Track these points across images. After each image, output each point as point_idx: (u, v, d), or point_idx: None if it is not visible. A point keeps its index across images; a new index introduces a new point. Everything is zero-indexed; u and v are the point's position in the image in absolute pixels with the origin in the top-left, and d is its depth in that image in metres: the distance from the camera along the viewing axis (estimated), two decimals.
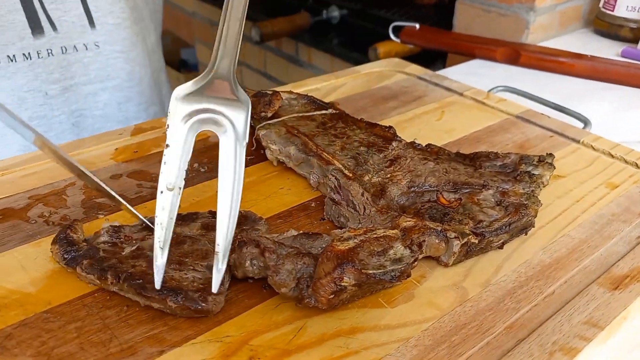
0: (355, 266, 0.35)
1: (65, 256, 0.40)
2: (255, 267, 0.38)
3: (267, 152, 0.54)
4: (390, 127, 0.56)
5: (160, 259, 0.37)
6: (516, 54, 0.90)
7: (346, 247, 0.36)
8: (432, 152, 0.52)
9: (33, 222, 0.47)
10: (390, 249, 0.38)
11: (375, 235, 0.38)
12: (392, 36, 1.01)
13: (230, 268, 0.39)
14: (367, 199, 0.46)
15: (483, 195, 0.46)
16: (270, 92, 0.58)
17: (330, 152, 0.51)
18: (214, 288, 0.37)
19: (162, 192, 0.38)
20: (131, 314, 0.37)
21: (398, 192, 0.47)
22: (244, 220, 0.44)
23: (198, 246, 0.41)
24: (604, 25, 1.04)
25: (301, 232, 0.41)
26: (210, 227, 0.43)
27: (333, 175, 0.49)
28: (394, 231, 0.39)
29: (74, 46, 0.73)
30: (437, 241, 0.40)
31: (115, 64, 0.78)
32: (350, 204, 0.47)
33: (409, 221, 0.41)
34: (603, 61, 0.85)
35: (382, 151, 0.52)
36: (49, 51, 0.71)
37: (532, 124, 0.64)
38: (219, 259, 0.37)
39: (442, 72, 0.85)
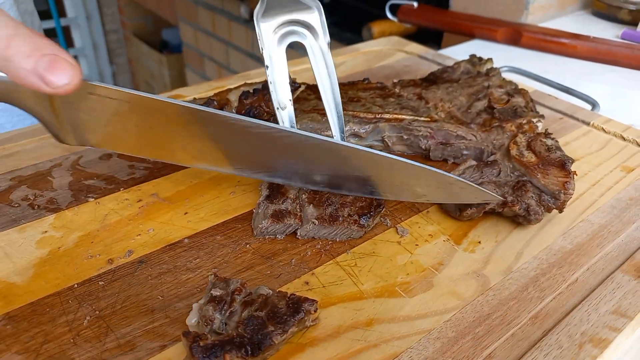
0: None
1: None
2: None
3: None
4: (365, 78, 0.59)
5: None
6: (517, 35, 0.87)
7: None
8: (415, 84, 0.58)
9: (16, 205, 0.43)
10: None
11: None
12: (389, 15, 0.98)
13: None
14: (467, 126, 0.50)
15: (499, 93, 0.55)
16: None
17: (386, 111, 0.51)
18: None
19: (277, 108, 0.42)
20: (127, 306, 0.34)
21: (479, 106, 0.53)
22: None
23: None
24: (603, 6, 1.02)
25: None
26: None
27: (415, 128, 0.50)
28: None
29: None
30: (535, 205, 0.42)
31: None
32: (458, 137, 0.49)
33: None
34: (606, 43, 0.83)
35: (393, 96, 0.55)
36: None
37: (540, 105, 0.62)
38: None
39: (444, 51, 0.82)
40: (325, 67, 0.43)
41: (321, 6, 0.43)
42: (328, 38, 0.43)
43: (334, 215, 0.40)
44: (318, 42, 0.43)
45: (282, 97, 0.42)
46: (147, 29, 2.97)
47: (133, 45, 2.92)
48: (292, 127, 0.42)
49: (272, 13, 0.42)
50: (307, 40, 0.43)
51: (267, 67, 0.42)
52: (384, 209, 0.42)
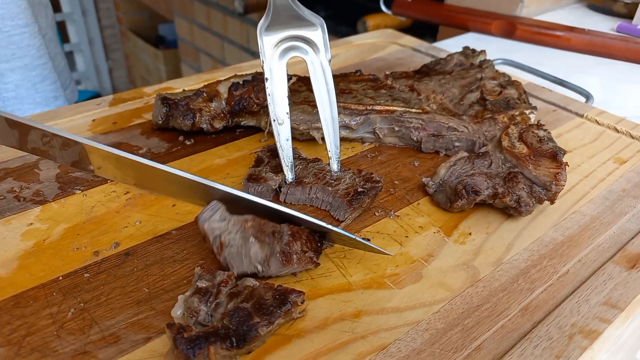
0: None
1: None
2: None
3: (313, 133, 0.49)
4: (357, 70, 0.58)
5: (290, 175, 0.42)
6: (512, 27, 0.87)
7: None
8: (407, 76, 0.58)
9: (2, 197, 0.42)
10: None
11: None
12: (383, 8, 0.97)
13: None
14: (459, 118, 0.50)
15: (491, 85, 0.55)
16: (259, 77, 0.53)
17: (377, 103, 0.51)
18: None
19: (274, 120, 0.42)
20: (113, 298, 0.34)
21: (472, 98, 0.52)
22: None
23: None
24: (598, 0, 1.02)
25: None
26: None
27: (406, 119, 0.50)
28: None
29: None
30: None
31: (21, 41, 0.66)
32: (450, 129, 0.49)
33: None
34: (600, 35, 0.83)
35: (385, 87, 0.54)
36: None
37: (534, 97, 0.62)
38: (333, 161, 0.43)
39: (438, 44, 0.82)
40: (325, 83, 0.43)
41: (324, 23, 0.43)
42: (329, 55, 0.43)
43: (287, 253, 0.35)
44: (319, 58, 0.43)
45: (279, 111, 0.42)
46: (143, 24, 2.96)
47: (129, 41, 2.91)
48: (287, 140, 0.42)
49: (276, 28, 0.42)
50: (309, 56, 0.43)
51: (267, 79, 0.42)
52: (330, 242, 0.39)
